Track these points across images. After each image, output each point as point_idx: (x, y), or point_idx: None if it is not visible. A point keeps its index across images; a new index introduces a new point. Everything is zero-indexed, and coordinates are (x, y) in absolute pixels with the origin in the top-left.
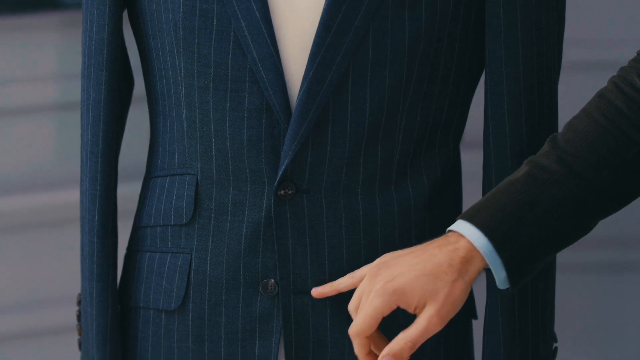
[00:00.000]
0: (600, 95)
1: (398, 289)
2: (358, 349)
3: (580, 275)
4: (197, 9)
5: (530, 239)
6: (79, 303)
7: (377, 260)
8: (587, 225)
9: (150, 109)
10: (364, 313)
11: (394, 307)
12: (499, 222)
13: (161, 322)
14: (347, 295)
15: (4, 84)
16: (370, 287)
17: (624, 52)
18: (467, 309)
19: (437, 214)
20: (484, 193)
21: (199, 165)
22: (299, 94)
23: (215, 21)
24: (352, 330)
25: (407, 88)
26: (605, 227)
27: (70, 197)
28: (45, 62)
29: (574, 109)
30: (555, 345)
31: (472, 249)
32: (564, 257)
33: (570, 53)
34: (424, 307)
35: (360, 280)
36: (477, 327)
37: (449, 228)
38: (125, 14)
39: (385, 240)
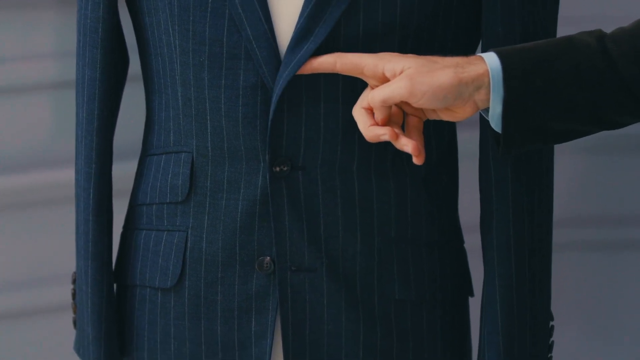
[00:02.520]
0: None
1: (392, 55)
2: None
3: (576, 253)
4: None
5: (541, 86)
6: (74, 281)
7: None
8: (599, 114)
9: (146, 87)
10: (353, 56)
11: (379, 69)
12: (518, 57)
13: (157, 300)
14: (344, 270)
15: (2, 62)
16: None
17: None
18: (464, 287)
19: (433, 191)
20: (480, 171)
21: (194, 143)
22: (280, 68)
23: None
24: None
25: None
26: (601, 205)
27: (68, 176)
28: (42, 40)
29: None
30: (551, 323)
31: (481, 60)
32: (562, 236)
33: (563, 31)
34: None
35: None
36: (474, 304)
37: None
38: None
39: (381, 217)
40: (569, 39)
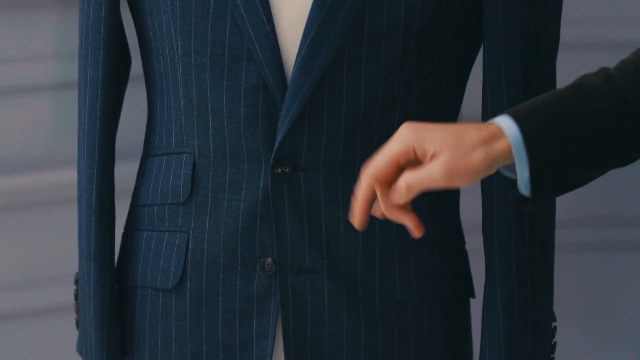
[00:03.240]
0: None
1: (419, 134)
2: (362, 188)
3: (579, 254)
4: None
5: (561, 143)
6: (76, 282)
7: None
8: (621, 153)
9: (148, 87)
10: (381, 152)
11: (411, 152)
12: (533, 117)
13: (159, 301)
14: (345, 271)
15: (2, 62)
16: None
17: (620, 31)
18: (465, 288)
19: (433, 191)
20: None
21: (195, 144)
22: (292, 72)
23: None
24: (365, 169)
25: (403, 65)
26: (601, 205)
27: (68, 177)
28: (42, 41)
29: None
30: (554, 324)
31: (502, 132)
32: (562, 237)
33: (564, 32)
34: (438, 155)
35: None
36: (475, 305)
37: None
38: None
39: (382, 218)
40: (577, 86)
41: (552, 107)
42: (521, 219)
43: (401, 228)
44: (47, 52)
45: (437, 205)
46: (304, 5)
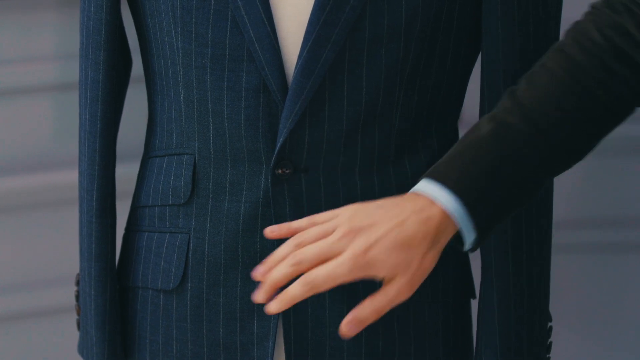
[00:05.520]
0: (560, 50)
1: (371, 262)
2: (304, 297)
3: (575, 255)
4: None
5: (500, 198)
6: (77, 283)
7: (350, 215)
8: (544, 183)
9: (148, 88)
10: (327, 273)
11: (360, 278)
12: (470, 182)
13: (159, 302)
14: None
15: (2, 64)
16: (343, 246)
17: None
18: (466, 289)
19: None
20: None
21: (196, 145)
22: (294, 73)
23: (212, 0)
24: (310, 281)
25: (404, 66)
26: (600, 207)
27: (68, 178)
28: (42, 43)
29: None
30: (549, 324)
31: (446, 216)
32: (561, 237)
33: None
34: (394, 277)
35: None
36: (475, 306)
37: (419, 188)
38: None
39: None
40: (495, 135)
41: (480, 166)
42: (517, 220)
43: None
44: (47, 53)
45: None
46: (305, 6)
